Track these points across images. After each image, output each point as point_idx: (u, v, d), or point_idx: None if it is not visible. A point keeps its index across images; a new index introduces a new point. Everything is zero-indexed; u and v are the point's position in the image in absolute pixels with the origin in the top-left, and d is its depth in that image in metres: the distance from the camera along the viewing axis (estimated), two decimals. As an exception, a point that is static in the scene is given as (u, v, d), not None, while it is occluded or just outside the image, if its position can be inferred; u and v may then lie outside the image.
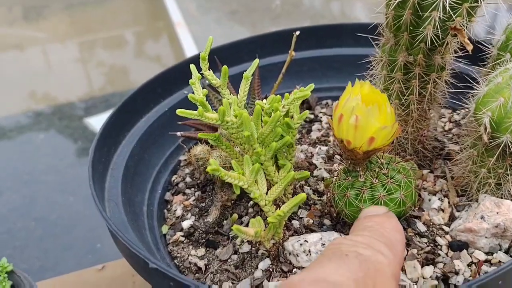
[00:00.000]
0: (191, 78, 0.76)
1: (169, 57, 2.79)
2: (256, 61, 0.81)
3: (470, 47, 0.66)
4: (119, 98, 2.37)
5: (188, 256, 0.80)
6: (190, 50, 2.17)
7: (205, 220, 0.83)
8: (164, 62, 2.77)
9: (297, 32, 0.95)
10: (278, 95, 0.75)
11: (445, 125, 0.98)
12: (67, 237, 1.57)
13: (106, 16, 3.53)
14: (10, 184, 1.85)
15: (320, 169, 0.91)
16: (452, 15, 0.65)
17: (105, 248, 1.47)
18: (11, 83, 2.68)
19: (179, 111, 0.69)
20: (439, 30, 0.67)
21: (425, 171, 0.85)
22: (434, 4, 0.65)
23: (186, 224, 0.85)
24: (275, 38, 1.12)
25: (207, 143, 0.89)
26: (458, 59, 0.78)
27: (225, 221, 0.84)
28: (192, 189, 0.93)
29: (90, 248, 1.50)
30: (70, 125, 2.21)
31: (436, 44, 0.70)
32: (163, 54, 2.89)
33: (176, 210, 0.89)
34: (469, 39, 0.68)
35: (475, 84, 0.72)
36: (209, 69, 0.79)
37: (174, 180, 0.97)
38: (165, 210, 0.91)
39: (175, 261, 0.80)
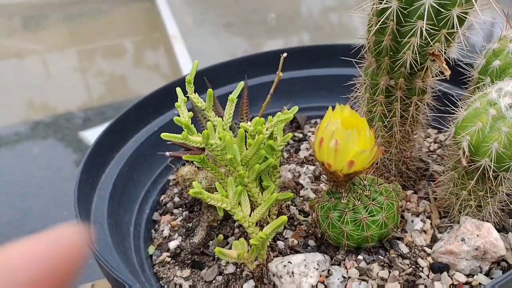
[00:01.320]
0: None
1: (166, 67, 2.81)
2: (241, 83, 0.82)
3: (448, 73, 0.67)
4: (115, 111, 2.39)
5: (174, 277, 0.81)
6: (185, 63, 2.19)
7: (191, 240, 0.84)
8: (162, 71, 2.79)
9: (285, 54, 0.97)
10: (262, 118, 0.76)
11: (430, 146, 0.99)
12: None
13: (104, 27, 3.55)
14: (5, 197, 1.85)
15: (307, 189, 0.92)
16: (430, 41, 0.66)
17: (95, 264, 1.47)
18: (9, 92, 2.69)
19: (164, 135, 0.70)
20: (417, 56, 0.68)
21: (409, 192, 0.86)
22: (412, 31, 0.66)
23: (173, 244, 0.86)
24: (265, 58, 1.14)
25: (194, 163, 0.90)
26: (441, 82, 0.79)
27: (211, 242, 0.85)
28: (180, 209, 0.94)
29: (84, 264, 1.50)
30: (65, 138, 2.22)
31: (415, 68, 0.71)
32: (161, 63, 2.91)
33: (163, 230, 0.90)
34: (448, 63, 0.69)
35: (459, 106, 0.73)
36: (195, 92, 0.80)
37: (162, 200, 0.98)
38: (153, 230, 0.92)
39: (160, 282, 0.81)
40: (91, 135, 2.08)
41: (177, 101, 0.79)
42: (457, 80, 0.81)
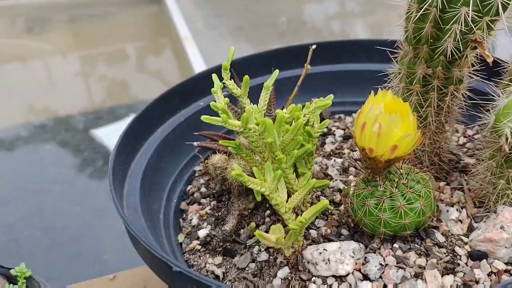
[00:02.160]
0: (207, 91, 0.78)
1: (173, 72, 2.81)
2: (276, 71, 0.82)
3: (490, 59, 0.67)
4: (126, 110, 2.39)
5: (205, 264, 0.80)
6: (198, 64, 2.19)
7: (222, 228, 0.83)
8: (166, 78, 2.79)
9: (314, 46, 0.97)
10: (299, 105, 0.76)
11: (458, 140, 0.99)
12: (74, 247, 1.56)
13: (109, 30, 3.56)
14: (17, 193, 1.84)
15: (336, 180, 0.92)
16: (473, 27, 0.66)
17: (112, 259, 1.46)
18: (14, 94, 2.69)
19: (204, 117, 0.70)
20: (459, 43, 0.69)
21: (441, 183, 0.86)
22: (456, 17, 0.66)
23: (202, 233, 0.85)
24: (288, 53, 1.14)
25: (225, 152, 0.90)
26: (475, 74, 0.79)
27: (242, 230, 0.84)
28: (208, 199, 0.94)
29: (97, 259, 1.49)
30: (76, 136, 2.22)
31: (456, 56, 0.71)
32: (165, 69, 2.91)
33: (192, 219, 0.90)
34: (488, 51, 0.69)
35: (488, 101, 0.73)
36: (230, 79, 0.80)
37: (189, 190, 0.97)
38: (181, 220, 0.91)
39: (192, 269, 0.80)
40: (103, 133, 2.08)
41: (205, 93, 0.80)
42: (490, 73, 0.81)
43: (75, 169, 2.00)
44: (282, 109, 0.96)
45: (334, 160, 0.98)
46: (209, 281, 0.58)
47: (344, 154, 1.00)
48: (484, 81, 0.89)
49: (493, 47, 0.79)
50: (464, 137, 0.99)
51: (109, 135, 2.06)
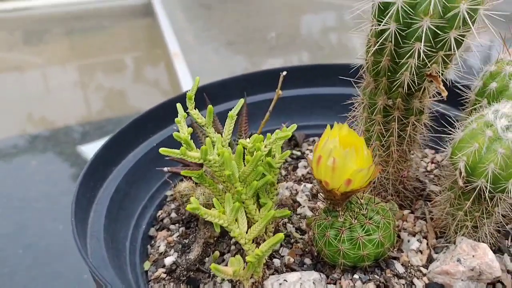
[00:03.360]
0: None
1: (166, 83, 2.82)
2: (241, 100, 0.83)
3: (445, 94, 0.68)
4: (114, 126, 2.39)
5: (169, 293, 0.80)
6: (185, 81, 2.20)
7: (187, 257, 0.84)
8: (162, 87, 2.81)
9: (284, 73, 0.98)
10: (261, 135, 0.76)
11: (427, 166, 0.99)
12: (56, 265, 1.56)
13: (105, 42, 3.58)
14: (1, 210, 1.84)
15: (304, 206, 0.92)
16: (428, 62, 0.67)
17: (90, 279, 1.46)
18: (9, 105, 2.70)
19: (162, 150, 0.70)
20: (415, 76, 0.69)
21: (406, 212, 0.86)
22: (410, 52, 0.67)
23: (168, 260, 0.85)
24: (264, 76, 1.15)
25: (192, 179, 0.90)
26: (438, 103, 0.80)
27: (207, 258, 0.85)
28: (177, 224, 0.94)
29: (77, 278, 1.49)
30: (64, 152, 2.22)
31: (413, 89, 0.72)
32: (161, 79, 2.92)
33: (159, 246, 0.90)
34: (445, 84, 0.70)
35: (456, 127, 0.74)
36: (195, 108, 0.81)
37: (159, 216, 0.97)
38: (149, 246, 0.91)
39: (156, 297, 0.80)
40: (90, 149, 2.08)
41: (176, 117, 0.80)
42: (454, 101, 0.82)
43: (61, 185, 2.00)
44: (250, 136, 0.97)
45: (304, 185, 0.99)
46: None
47: (314, 179, 1.01)
48: (452, 108, 0.90)
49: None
50: (432, 163, 0.99)
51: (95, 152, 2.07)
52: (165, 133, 1.05)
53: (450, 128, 0.74)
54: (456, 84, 0.81)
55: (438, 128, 0.82)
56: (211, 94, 1.03)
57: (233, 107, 0.87)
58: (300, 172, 1.04)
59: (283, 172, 1.05)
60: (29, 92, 2.89)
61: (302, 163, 1.07)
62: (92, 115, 2.55)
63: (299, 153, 1.11)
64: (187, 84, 2.15)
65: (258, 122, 1.06)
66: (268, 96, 1.15)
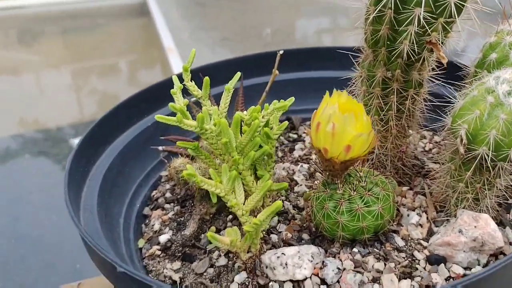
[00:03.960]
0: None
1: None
2: (238, 73, 0.82)
3: (445, 60, 0.67)
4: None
5: (164, 269, 0.78)
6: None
7: (182, 233, 0.82)
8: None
9: (281, 51, 0.97)
10: (258, 106, 0.75)
11: (425, 146, 0.98)
12: (50, 256, 1.54)
13: (101, 42, 3.56)
14: (-7, 202, 1.82)
15: (301, 185, 0.91)
16: (428, 29, 0.66)
17: (85, 268, 1.44)
18: (2, 106, 2.67)
19: (158, 117, 0.69)
20: (415, 45, 0.68)
21: (404, 188, 0.85)
22: (410, 18, 0.66)
23: (163, 238, 0.83)
24: (259, 59, 1.14)
25: (188, 156, 0.89)
26: (437, 78, 0.79)
27: (202, 235, 0.83)
28: (172, 204, 0.92)
29: (70, 268, 1.47)
30: (57, 145, 2.20)
31: (413, 59, 0.71)
32: (155, 78, 2.91)
33: (154, 224, 0.88)
34: (445, 53, 0.69)
35: (450, 106, 0.73)
36: (191, 80, 0.80)
37: (154, 195, 0.96)
38: (143, 225, 0.90)
39: (150, 275, 0.78)
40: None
41: (171, 93, 0.79)
42: (452, 78, 0.81)
43: (55, 178, 1.98)
44: (247, 113, 0.95)
45: (301, 166, 0.97)
46: (152, 281, 0.57)
47: (311, 159, 0.99)
48: (450, 85, 0.89)
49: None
50: (431, 143, 0.98)
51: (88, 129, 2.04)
52: (160, 113, 1.03)
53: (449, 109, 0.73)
54: (454, 61, 0.81)
55: (436, 110, 0.81)
56: (204, 76, 1.02)
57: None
58: (297, 153, 1.02)
59: (280, 154, 1.03)
60: (23, 92, 2.87)
61: (298, 145, 1.06)
62: (86, 116, 2.53)
63: (295, 136, 1.10)
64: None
65: (254, 104, 1.04)
66: (263, 79, 1.14)
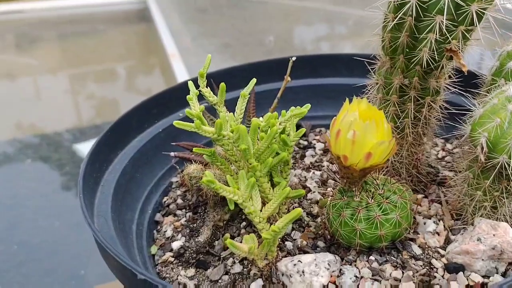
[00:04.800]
0: (187, 102, 0.76)
1: (162, 87, 2.81)
2: (253, 80, 0.82)
3: (465, 69, 0.67)
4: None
5: (178, 276, 0.78)
6: (183, 79, 2.19)
7: (196, 240, 0.81)
8: (155, 91, 2.79)
9: (294, 58, 0.97)
10: (275, 113, 0.75)
11: (438, 153, 0.98)
12: (50, 262, 1.52)
13: (99, 47, 3.55)
14: (-8, 208, 1.80)
15: (314, 192, 0.90)
16: (448, 37, 0.66)
17: (89, 274, 1.42)
18: (3, 110, 2.66)
19: (176, 123, 0.68)
20: (435, 52, 0.68)
21: (419, 196, 0.85)
22: (431, 26, 0.66)
23: (176, 244, 0.83)
24: (270, 65, 1.14)
25: (201, 162, 0.88)
26: (453, 86, 0.79)
27: (216, 242, 0.82)
28: (183, 210, 0.92)
29: (73, 274, 1.45)
30: (57, 151, 2.19)
31: (431, 66, 0.71)
32: (154, 87, 2.90)
33: (166, 231, 0.87)
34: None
35: (468, 114, 0.73)
36: (206, 86, 0.79)
37: (165, 202, 0.95)
38: (155, 231, 0.89)
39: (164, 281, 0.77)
40: (85, 147, 2.05)
41: (185, 104, 0.79)
42: (467, 86, 0.81)
43: (55, 183, 1.96)
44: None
45: (313, 173, 0.97)
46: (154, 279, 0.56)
47: (323, 166, 0.99)
48: (463, 94, 0.89)
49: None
50: (443, 151, 0.98)
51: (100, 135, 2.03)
52: (170, 120, 1.03)
53: (462, 118, 0.73)
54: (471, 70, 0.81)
55: (450, 118, 0.81)
56: (216, 82, 1.01)
57: (238, 96, 0.85)
58: (308, 160, 1.02)
59: (291, 161, 1.03)
60: (20, 97, 2.85)
61: (309, 152, 1.05)
62: (84, 121, 2.52)
63: (306, 143, 1.09)
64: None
65: (264, 110, 1.04)
66: (274, 86, 1.14)
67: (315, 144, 1.08)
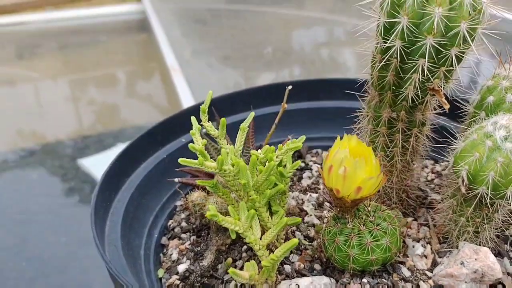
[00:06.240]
0: (190, 128, 0.82)
1: (162, 98, 2.86)
2: (252, 114, 0.87)
3: (447, 106, 0.72)
4: (113, 139, 2.42)
5: (184, 299, 0.83)
6: (184, 95, 2.24)
7: (201, 264, 0.87)
8: (158, 102, 2.84)
9: (290, 87, 1.02)
10: (272, 146, 0.80)
11: (427, 176, 1.04)
12: (59, 278, 1.57)
13: (99, 57, 3.61)
14: (2, 222, 1.85)
15: (311, 215, 0.96)
16: (430, 77, 0.72)
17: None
18: (1, 120, 2.71)
19: (182, 160, 0.74)
20: (419, 90, 0.74)
21: (409, 219, 0.90)
22: (414, 67, 0.72)
23: (181, 267, 0.88)
24: (269, 90, 1.19)
25: (204, 189, 0.94)
26: (439, 115, 0.84)
27: (219, 265, 0.88)
28: (188, 233, 0.97)
29: (84, 290, 1.51)
30: (63, 165, 2.24)
31: (416, 102, 0.76)
32: (157, 94, 2.96)
33: (172, 254, 0.93)
34: (446, 98, 0.75)
35: (454, 140, 0.78)
36: (208, 121, 0.85)
37: (170, 225, 1.01)
38: (161, 254, 0.94)
39: (171, 304, 0.83)
40: (89, 162, 2.10)
41: (185, 129, 0.84)
42: (453, 114, 0.87)
43: (62, 198, 2.02)
44: (258, 148, 1.00)
45: (310, 195, 1.02)
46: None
47: (319, 189, 1.05)
48: (451, 121, 0.95)
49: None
50: (433, 173, 1.04)
51: (96, 165, 2.09)
52: (173, 146, 1.09)
53: (449, 140, 0.79)
54: (456, 98, 0.86)
55: (438, 140, 0.87)
56: (218, 108, 1.07)
57: (238, 120, 0.91)
58: (305, 182, 1.08)
59: (289, 183, 1.08)
60: (22, 106, 2.90)
61: (306, 174, 1.11)
62: (86, 130, 2.57)
63: (303, 164, 1.15)
64: (187, 97, 2.19)
65: (263, 134, 1.10)
66: (273, 109, 1.19)
67: (311, 166, 1.14)
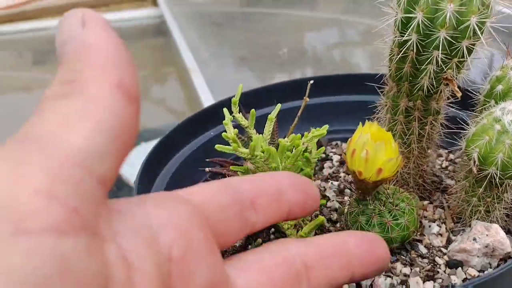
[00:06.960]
0: (216, 123, 0.91)
1: (179, 101, 2.94)
2: (278, 105, 0.95)
3: (459, 94, 0.79)
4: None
5: (218, 275, 0.91)
6: (204, 94, 2.32)
7: (233, 245, 0.94)
8: (171, 107, 2.93)
9: (312, 81, 1.10)
10: (299, 134, 0.88)
11: (442, 163, 1.10)
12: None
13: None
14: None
15: (333, 201, 1.03)
16: (444, 68, 0.79)
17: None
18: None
19: (218, 146, 0.82)
20: (433, 80, 0.81)
21: (425, 202, 0.97)
22: (429, 59, 0.79)
23: (214, 248, 0.96)
24: (290, 86, 1.27)
25: (232, 176, 1.01)
26: (451, 105, 0.91)
27: (249, 246, 0.95)
28: (218, 218, 1.05)
29: None
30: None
31: (431, 91, 0.83)
32: (170, 98, 3.04)
33: (204, 236, 1.01)
34: (459, 87, 0.82)
35: (467, 127, 0.85)
36: (238, 112, 0.93)
37: (201, 210, 1.08)
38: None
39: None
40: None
41: (214, 122, 0.92)
42: (465, 104, 0.93)
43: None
44: (284, 138, 1.08)
45: (331, 183, 1.09)
46: None
47: (340, 177, 1.12)
48: (463, 110, 1.02)
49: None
50: (447, 161, 1.10)
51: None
52: (203, 138, 1.16)
53: (462, 130, 0.86)
54: (468, 89, 0.93)
55: (452, 130, 0.93)
56: (242, 103, 1.15)
57: (263, 114, 0.99)
58: (326, 171, 1.15)
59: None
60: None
61: (327, 164, 1.18)
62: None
63: (323, 155, 1.22)
64: (207, 97, 2.27)
65: (286, 127, 1.17)
66: (294, 104, 1.26)
67: (332, 157, 1.21)
